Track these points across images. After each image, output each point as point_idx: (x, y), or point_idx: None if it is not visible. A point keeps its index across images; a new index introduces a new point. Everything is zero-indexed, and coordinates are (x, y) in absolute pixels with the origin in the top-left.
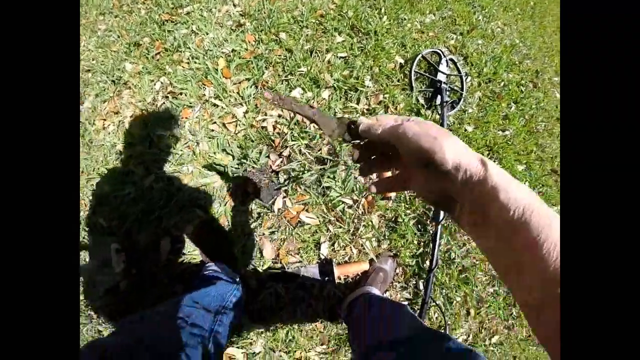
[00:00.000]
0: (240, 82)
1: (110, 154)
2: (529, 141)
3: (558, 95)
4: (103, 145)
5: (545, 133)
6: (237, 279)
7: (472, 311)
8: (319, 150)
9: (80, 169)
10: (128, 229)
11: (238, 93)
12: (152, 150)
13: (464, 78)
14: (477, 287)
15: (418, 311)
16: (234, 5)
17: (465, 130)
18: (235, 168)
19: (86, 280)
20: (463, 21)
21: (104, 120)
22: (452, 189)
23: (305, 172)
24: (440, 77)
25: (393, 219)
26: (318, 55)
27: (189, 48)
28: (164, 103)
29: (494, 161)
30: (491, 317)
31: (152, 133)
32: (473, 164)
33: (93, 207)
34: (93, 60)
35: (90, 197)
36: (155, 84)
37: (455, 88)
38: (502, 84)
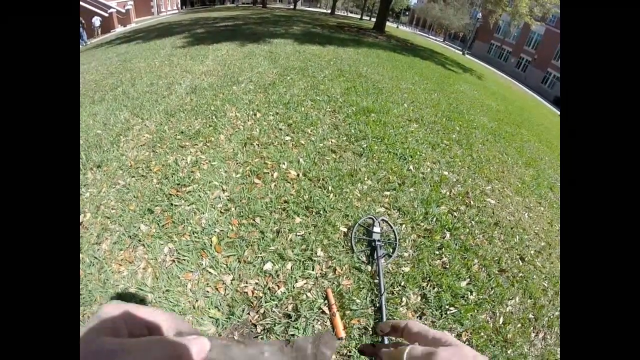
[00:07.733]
0: (228, 257)
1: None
2: (468, 259)
3: (492, 201)
4: (118, 285)
5: (485, 242)
6: None
7: None
8: (285, 308)
9: (93, 298)
10: None
11: (226, 265)
12: (159, 299)
13: (396, 231)
14: None
15: None
16: (223, 191)
17: (403, 271)
18: (225, 321)
19: None
20: (396, 177)
21: (120, 265)
22: None
23: (276, 324)
24: (375, 236)
25: (346, 354)
26: (283, 235)
27: (190, 224)
28: (171, 264)
29: (433, 288)
30: None
31: (161, 286)
32: None
33: None
34: (113, 210)
35: None
36: (164, 248)
37: (391, 240)
38: (433, 219)
